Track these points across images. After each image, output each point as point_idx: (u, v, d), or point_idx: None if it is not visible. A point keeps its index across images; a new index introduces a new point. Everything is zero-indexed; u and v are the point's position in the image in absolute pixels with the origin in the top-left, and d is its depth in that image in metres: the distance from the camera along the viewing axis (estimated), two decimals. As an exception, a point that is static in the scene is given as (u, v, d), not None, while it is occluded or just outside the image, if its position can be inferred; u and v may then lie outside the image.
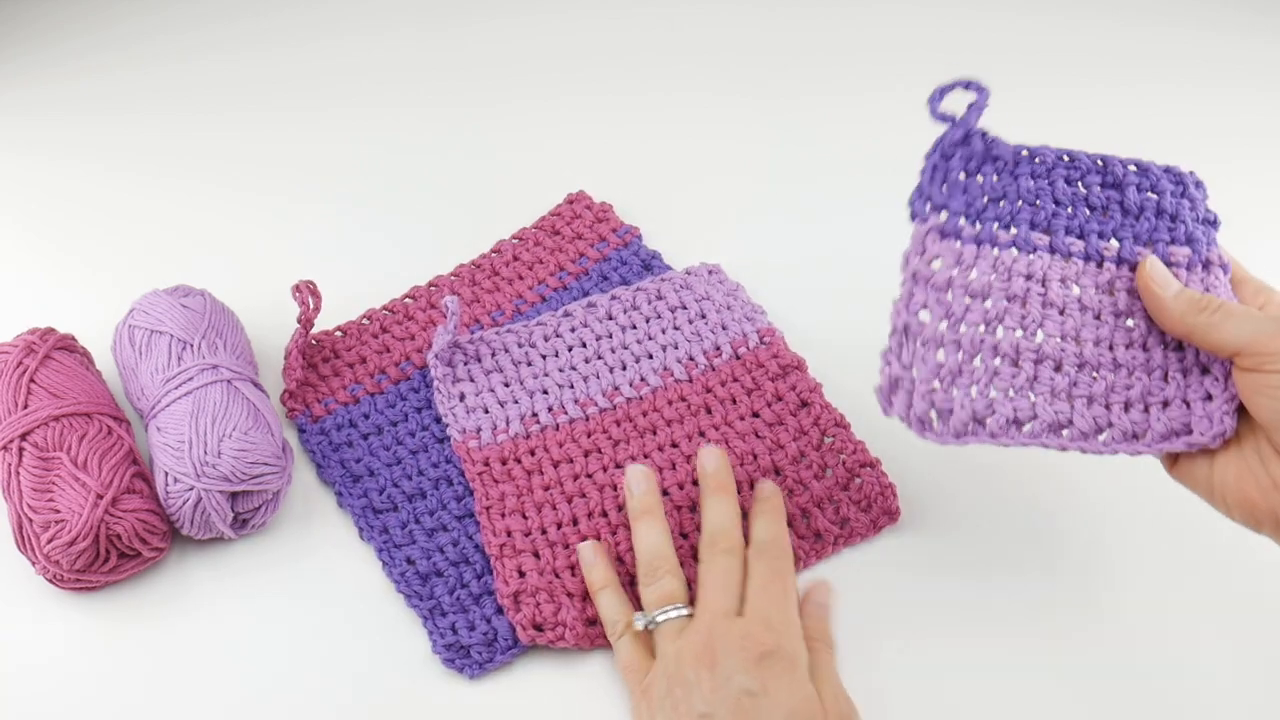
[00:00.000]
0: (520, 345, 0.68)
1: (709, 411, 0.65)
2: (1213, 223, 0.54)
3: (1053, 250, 0.52)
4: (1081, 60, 0.89)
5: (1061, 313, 0.51)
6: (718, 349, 0.67)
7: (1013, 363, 0.50)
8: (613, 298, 0.69)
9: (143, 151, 0.82)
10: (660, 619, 0.55)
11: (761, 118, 0.85)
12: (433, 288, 0.72)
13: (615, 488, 0.62)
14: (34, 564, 0.58)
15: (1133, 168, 0.53)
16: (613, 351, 0.67)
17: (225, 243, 0.76)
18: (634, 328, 0.68)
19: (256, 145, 0.83)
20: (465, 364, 0.67)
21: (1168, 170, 0.54)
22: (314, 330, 0.69)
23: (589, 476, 0.63)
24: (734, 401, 0.65)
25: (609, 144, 0.83)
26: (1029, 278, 0.51)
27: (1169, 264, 0.52)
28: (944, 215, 0.51)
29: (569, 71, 0.88)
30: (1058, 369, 0.50)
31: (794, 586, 0.55)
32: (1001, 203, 0.51)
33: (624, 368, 0.67)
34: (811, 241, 0.76)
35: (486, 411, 0.65)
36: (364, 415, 0.66)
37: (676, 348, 0.67)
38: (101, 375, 0.65)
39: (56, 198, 0.79)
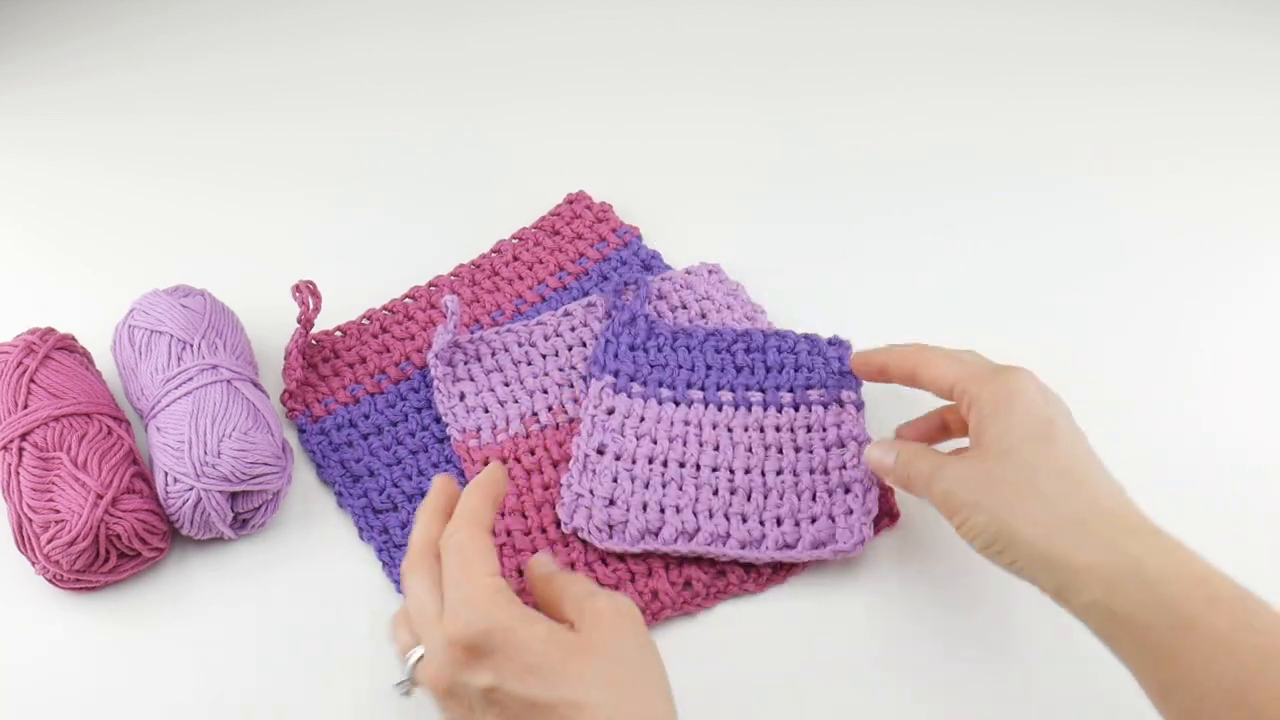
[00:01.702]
0: (520, 345, 0.67)
1: None
2: (843, 373, 0.65)
3: (706, 403, 0.64)
4: (1081, 60, 0.89)
5: (716, 448, 0.62)
6: None
7: (678, 487, 0.61)
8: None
9: (143, 151, 0.82)
10: (412, 671, 0.49)
11: (761, 118, 0.85)
12: (433, 288, 0.72)
13: None
14: (34, 564, 0.58)
15: (773, 338, 0.66)
16: None
17: (225, 243, 0.76)
18: None
19: (256, 145, 0.83)
20: (465, 363, 0.67)
21: (805, 337, 0.66)
22: (314, 330, 0.69)
23: None
24: None
25: (609, 144, 0.83)
26: (687, 423, 0.63)
27: (808, 403, 0.64)
28: (616, 376, 0.64)
29: (568, 71, 0.88)
30: (715, 493, 0.61)
31: (467, 553, 0.48)
32: (665, 368, 0.65)
33: None
34: (811, 241, 0.76)
35: (486, 411, 0.65)
36: (364, 415, 0.66)
37: None
38: (101, 375, 0.65)
39: (56, 198, 0.79)
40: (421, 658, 0.48)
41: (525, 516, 0.61)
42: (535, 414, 0.65)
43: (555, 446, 0.64)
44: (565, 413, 0.65)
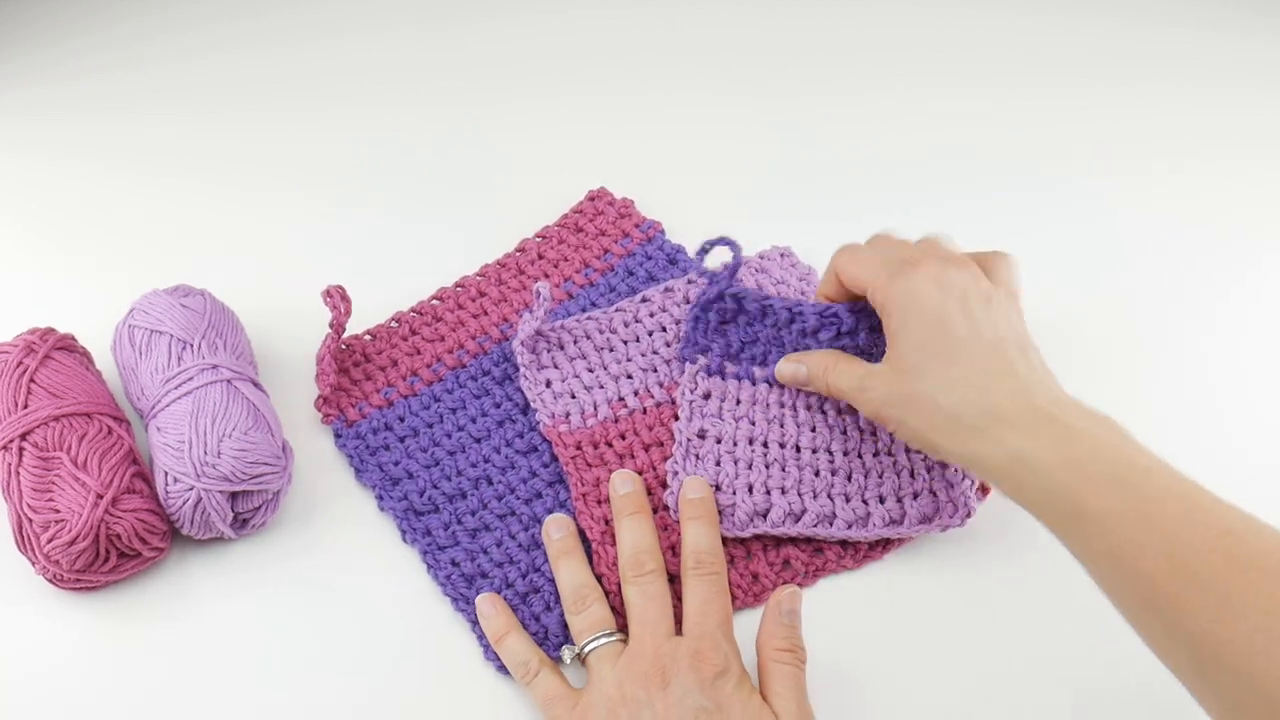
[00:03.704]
0: (601, 332, 0.68)
1: None
2: None
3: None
4: (1081, 60, 0.89)
5: (813, 430, 0.62)
6: None
7: (781, 468, 0.61)
8: (689, 282, 0.69)
9: (143, 151, 0.82)
10: (592, 645, 0.55)
11: (762, 118, 0.85)
12: (459, 288, 0.72)
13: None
14: (34, 564, 0.58)
15: (864, 317, 0.62)
16: None
17: (226, 243, 0.76)
18: None
19: (257, 145, 0.83)
20: (549, 351, 0.67)
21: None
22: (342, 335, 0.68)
23: None
24: None
25: (613, 143, 0.83)
26: (782, 405, 0.63)
27: None
28: (708, 357, 0.64)
29: (572, 71, 0.88)
30: (816, 474, 0.61)
31: (729, 600, 0.56)
32: (755, 344, 0.64)
33: None
34: (813, 240, 0.76)
35: (574, 397, 0.65)
36: (399, 418, 0.66)
37: None
38: (101, 375, 0.65)
39: (57, 198, 0.79)
40: (603, 642, 0.55)
41: None
42: (622, 399, 0.65)
43: (645, 430, 0.64)
44: (651, 397, 0.65)
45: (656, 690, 0.51)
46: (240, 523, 0.60)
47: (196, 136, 0.83)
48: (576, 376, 0.66)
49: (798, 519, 0.60)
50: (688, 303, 0.69)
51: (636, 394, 0.65)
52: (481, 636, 0.58)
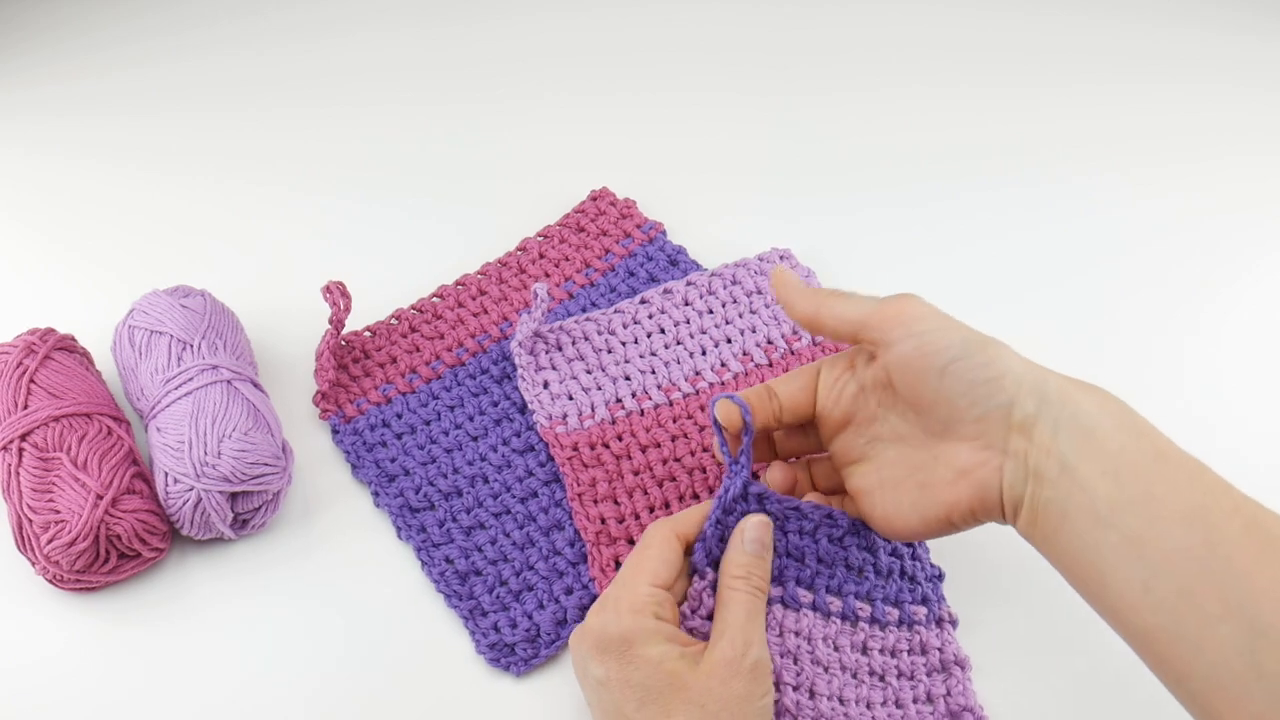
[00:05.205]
0: (600, 333, 0.68)
1: None
2: (939, 577, 0.57)
3: (814, 608, 0.53)
4: (1082, 60, 0.89)
5: (826, 670, 0.53)
6: (796, 333, 0.68)
7: (793, 718, 0.51)
8: (689, 283, 0.70)
9: (142, 151, 0.82)
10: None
11: (773, 115, 0.85)
12: (460, 286, 0.72)
13: (704, 470, 0.62)
14: (34, 564, 0.58)
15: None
16: (691, 337, 0.68)
17: (226, 243, 0.76)
18: (711, 313, 0.69)
19: (258, 144, 0.83)
20: (547, 352, 0.67)
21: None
22: (342, 331, 0.69)
23: (677, 460, 0.63)
24: None
25: (621, 140, 0.83)
26: (798, 634, 0.53)
27: (911, 622, 0.55)
28: (717, 571, 0.52)
29: (579, 69, 0.88)
30: None
31: (646, 555, 0.52)
32: (775, 558, 0.53)
33: (704, 353, 0.67)
34: (820, 240, 0.76)
35: (571, 398, 0.66)
36: (397, 415, 0.67)
37: (754, 331, 0.68)
38: (101, 375, 0.65)
39: (57, 198, 0.79)
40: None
41: (618, 503, 0.61)
42: (620, 400, 0.66)
43: (642, 432, 0.64)
44: (649, 398, 0.66)
45: (577, 669, 0.52)
46: (240, 523, 0.60)
47: (196, 136, 0.83)
48: (574, 378, 0.66)
49: None
50: (687, 304, 0.69)
51: (634, 395, 0.66)
52: (475, 632, 0.58)
